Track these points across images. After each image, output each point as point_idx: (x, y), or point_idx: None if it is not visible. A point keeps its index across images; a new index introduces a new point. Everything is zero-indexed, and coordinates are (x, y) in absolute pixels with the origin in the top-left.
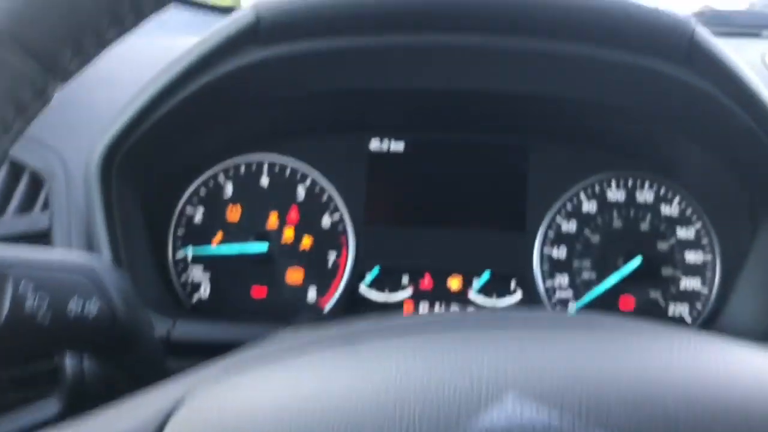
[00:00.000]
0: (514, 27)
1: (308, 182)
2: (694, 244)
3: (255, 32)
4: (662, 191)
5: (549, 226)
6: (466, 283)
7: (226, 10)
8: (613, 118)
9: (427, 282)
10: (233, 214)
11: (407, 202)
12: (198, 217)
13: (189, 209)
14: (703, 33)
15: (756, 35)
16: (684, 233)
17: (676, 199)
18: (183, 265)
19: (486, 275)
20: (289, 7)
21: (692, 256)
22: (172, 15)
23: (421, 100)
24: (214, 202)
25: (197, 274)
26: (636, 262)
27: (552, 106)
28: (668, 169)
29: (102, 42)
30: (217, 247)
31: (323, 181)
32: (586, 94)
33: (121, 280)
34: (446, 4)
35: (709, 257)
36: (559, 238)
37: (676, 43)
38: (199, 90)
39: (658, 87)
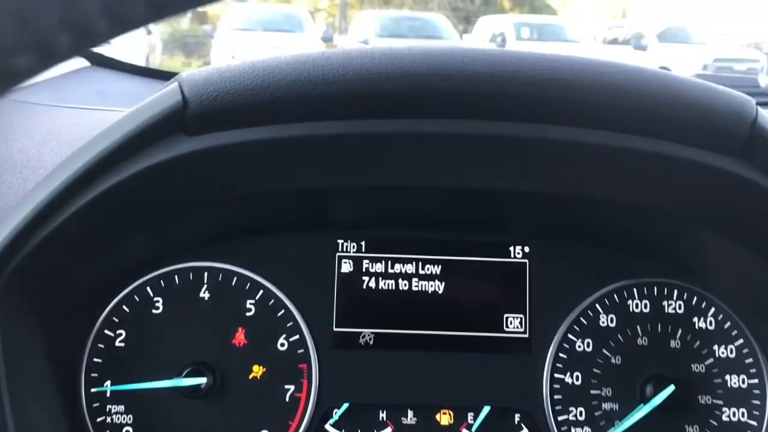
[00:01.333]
0: (529, 113)
1: (259, 294)
2: (737, 366)
3: (181, 119)
4: (694, 301)
5: (559, 347)
6: (459, 419)
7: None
8: (635, 217)
9: (410, 419)
10: (165, 337)
11: (384, 318)
12: (119, 343)
13: (108, 333)
14: (766, 118)
15: None
16: (723, 352)
17: (712, 311)
18: (99, 404)
19: (484, 411)
20: (223, 87)
21: (735, 380)
22: (114, 82)
23: (392, 197)
24: (139, 323)
25: (118, 414)
26: (668, 391)
27: (561, 205)
28: (702, 275)
29: None
30: (143, 380)
31: (278, 293)
32: (607, 191)
33: None
34: (428, 81)
35: (755, 381)
36: (573, 361)
37: (734, 132)
38: (109, 190)
39: (702, 183)
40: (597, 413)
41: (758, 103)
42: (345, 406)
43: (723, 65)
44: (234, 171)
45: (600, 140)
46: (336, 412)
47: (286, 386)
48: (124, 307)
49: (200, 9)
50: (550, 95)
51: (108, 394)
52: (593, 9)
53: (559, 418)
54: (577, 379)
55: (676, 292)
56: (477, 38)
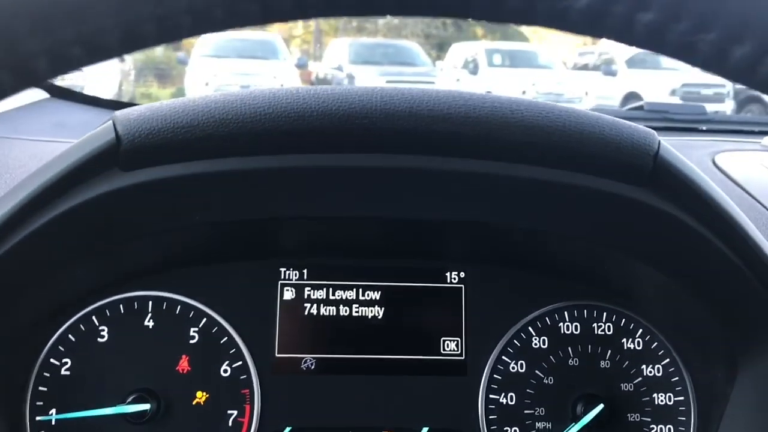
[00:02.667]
0: (449, 148)
1: (203, 322)
2: (663, 384)
3: (115, 156)
4: (622, 323)
5: (494, 369)
6: None
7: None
8: (561, 244)
9: None
10: (110, 365)
11: (325, 344)
12: (65, 371)
13: (53, 362)
14: (669, 151)
15: (694, 130)
16: (650, 371)
17: (639, 332)
18: None
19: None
20: (155, 125)
21: (662, 398)
22: (73, 114)
23: (332, 227)
24: (85, 352)
25: None
26: (597, 409)
27: (491, 232)
28: (628, 298)
29: None
30: (88, 408)
31: (221, 321)
32: (530, 221)
33: None
34: (349, 119)
35: (681, 398)
36: (507, 382)
37: (638, 164)
38: (46, 225)
39: (614, 212)
40: None
41: (709, 130)
42: (287, 430)
43: (691, 90)
44: (171, 203)
45: (514, 173)
46: None
47: (229, 411)
48: (70, 336)
49: None
50: (462, 131)
51: (53, 423)
52: (564, 35)
53: None
54: (512, 400)
55: (605, 314)
56: (450, 64)
